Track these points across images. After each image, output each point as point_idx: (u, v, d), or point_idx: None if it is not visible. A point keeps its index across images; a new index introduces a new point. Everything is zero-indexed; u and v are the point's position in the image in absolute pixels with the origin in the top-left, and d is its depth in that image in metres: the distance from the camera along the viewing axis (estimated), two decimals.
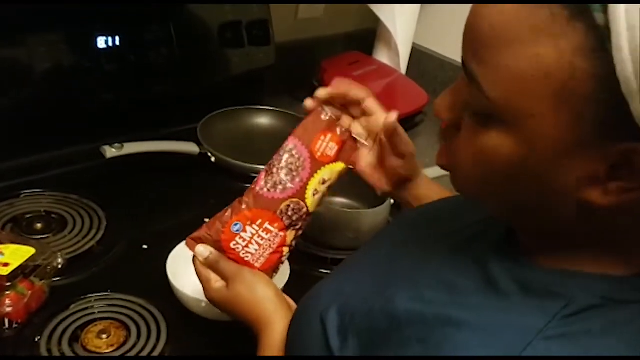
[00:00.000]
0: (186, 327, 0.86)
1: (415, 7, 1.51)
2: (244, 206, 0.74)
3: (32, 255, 0.86)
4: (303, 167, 0.75)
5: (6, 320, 0.81)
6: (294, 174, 0.75)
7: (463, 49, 0.50)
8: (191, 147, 1.19)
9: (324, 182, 0.76)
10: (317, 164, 0.75)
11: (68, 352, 0.80)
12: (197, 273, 0.76)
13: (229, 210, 0.75)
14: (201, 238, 0.75)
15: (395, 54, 1.54)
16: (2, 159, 1.08)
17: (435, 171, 1.15)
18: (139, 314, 0.86)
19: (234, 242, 0.74)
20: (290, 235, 0.77)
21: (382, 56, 1.57)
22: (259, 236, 0.75)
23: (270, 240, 0.75)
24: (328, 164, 0.76)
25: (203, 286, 0.76)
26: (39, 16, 1.05)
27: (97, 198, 1.07)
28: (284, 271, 0.91)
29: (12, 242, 0.88)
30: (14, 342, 0.81)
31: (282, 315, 0.71)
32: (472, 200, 0.59)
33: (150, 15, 1.19)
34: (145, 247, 1.00)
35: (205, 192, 1.17)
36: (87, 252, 0.96)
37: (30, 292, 0.83)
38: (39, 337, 0.81)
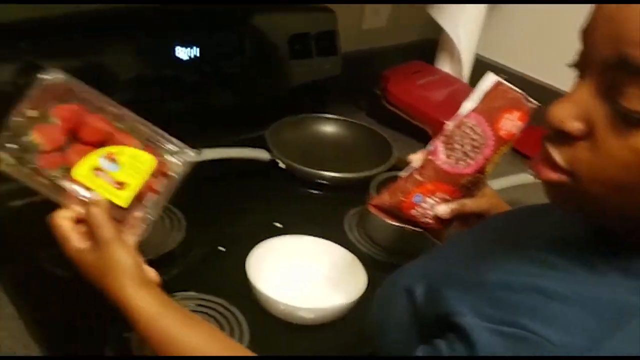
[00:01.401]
0: (268, 328, 0.89)
1: (479, 17, 1.51)
2: (424, 179, 0.75)
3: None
4: (486, 145, 0.74)
5: None
6: (477, 150, 0.74)
7: (605, 41, 0.48)
8: (262, 154, 1.23)
9: (503, 154, 0.76)
10: (500, 142, 0.74)
11: None
12: (56, 227, 0.71)
13: (409, 181, 0.76)
14: (381, 205, 0.78)
15: (458, 63, 1.55)
16: None
17: (503, 182, 1.16)
18: (222, 314, 0.89)
19: (414, 210, 0.77)
20: None
21: (444, 65, 1.58)
22: (438, 204, 0.77)
23: None
24: (511, 140, 0.74)
25: (61, 242, 0.72)
26: (118, 26, 1.10)
27: (177, 202, 1.10)
28: (361, 281, 0.93)
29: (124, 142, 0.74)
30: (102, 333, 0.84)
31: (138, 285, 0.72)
32: (580, 212, 0.56)
33: (225, 28, 1.23)
34: (222, 249, 1.04)
35: (276, 198, 1.21)
36: (167, 254, 1.00)
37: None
38: (127, 334, 0.84)
